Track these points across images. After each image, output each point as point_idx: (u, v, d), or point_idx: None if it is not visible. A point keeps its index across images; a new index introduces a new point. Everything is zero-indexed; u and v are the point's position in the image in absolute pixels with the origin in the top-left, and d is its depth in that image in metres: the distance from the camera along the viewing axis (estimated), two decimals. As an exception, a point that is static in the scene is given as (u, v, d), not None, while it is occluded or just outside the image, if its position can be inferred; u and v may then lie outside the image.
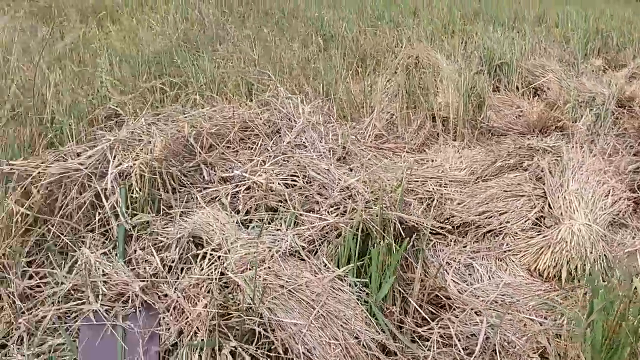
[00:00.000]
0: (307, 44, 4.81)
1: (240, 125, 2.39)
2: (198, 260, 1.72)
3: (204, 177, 2.14)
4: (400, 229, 1.91)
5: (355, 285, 1.70)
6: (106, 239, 1.82)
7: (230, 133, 2.32)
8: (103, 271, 1.65)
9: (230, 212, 1.94)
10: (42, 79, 2.67)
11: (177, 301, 1.59)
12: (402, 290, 1.87)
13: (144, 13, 5.71)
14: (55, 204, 1.84)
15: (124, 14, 5.62)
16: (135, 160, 1.85)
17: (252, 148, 2.34)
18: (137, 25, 5.01)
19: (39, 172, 1.79)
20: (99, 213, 1.82)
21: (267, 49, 4.36)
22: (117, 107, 2.39)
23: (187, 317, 1.55)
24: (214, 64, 3.52)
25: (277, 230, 1.83)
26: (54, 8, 5.48)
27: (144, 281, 1.64)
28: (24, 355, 1.62)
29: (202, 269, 1.67)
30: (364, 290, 1.70)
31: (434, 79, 3.92)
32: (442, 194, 2.47)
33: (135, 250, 1.77)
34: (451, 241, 2.35)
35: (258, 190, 2.01)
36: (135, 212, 1.84)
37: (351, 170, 2.29)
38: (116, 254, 1.74)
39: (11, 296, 1.78)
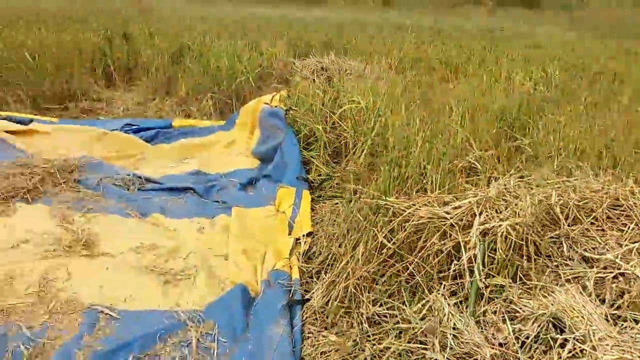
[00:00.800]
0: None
1: (610, 202, 2.11)
2: (556, 345, 1.54)
3: (562, 251, 1.95)
4: None
5: None
6: (456, 291, 1.82)
7: (598, 209, 2.07)
8: (454, 324, 1.64)
9: (595, 300, 1.69)
10: (408, 125, 2.95)
11: (530, 384, 1.44)
12: None
13: (487, 68, 5.85)
14: (415, 244, 1.95)
15: (469, 69, 5.87)
16: (503, 220, 1.80)
17: (622, 230, 2.03)
18: (482, 80, 5.13)
19: (408, 213, 1.93)
20: (455, 264, 1.83)
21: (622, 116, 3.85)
22: (476, 161, 2.43)
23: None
24: (567, 128, 3.28)
25: (661, 341, 1.50)
26: (406, 61, 6.10)
27: (494, 348, 1.56)
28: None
29: (561, 358, 1.48)
30: None
31: None
32: None
33: (485, 312, 1.71)
34: None
35: (633, 284, 1.71)
36: (490, 272, 1.79)
37: None
38: (466, 310, 1.72)
39: (361, 317, 1.95)
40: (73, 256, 2.36)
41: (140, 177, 3.27)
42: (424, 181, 2.27)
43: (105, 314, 1.97)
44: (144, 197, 3.07)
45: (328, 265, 2.33)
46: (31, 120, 4.06)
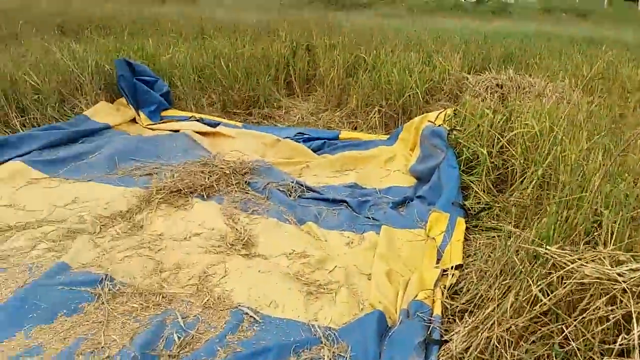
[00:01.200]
0: None
1: None
2: None
3: None
4: None
5: None
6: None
7: None
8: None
9: None
10: (587, 158, 2.61)
11: None
12: None
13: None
14: (576, 305, 1.71)
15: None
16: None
17: None
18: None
19: (572, 268, 1.70)
20: (624, 337, 1.56)
21: None
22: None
23: None
24: None
25: None
26: (596, 81, 5.40)
27: None
28: None
29: None
30: None
31: None
32: None
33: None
34: None
35: None
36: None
37: None
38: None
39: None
40: (233, 254, 2.59)
41: (302, 185, 3.45)
42: (597, 232, 1.97)
43: (250, 316, 2.12)
44: (302, 205, 3.23)
45: (475, 306, 2.17)
46: (218, 124, 4.57)
